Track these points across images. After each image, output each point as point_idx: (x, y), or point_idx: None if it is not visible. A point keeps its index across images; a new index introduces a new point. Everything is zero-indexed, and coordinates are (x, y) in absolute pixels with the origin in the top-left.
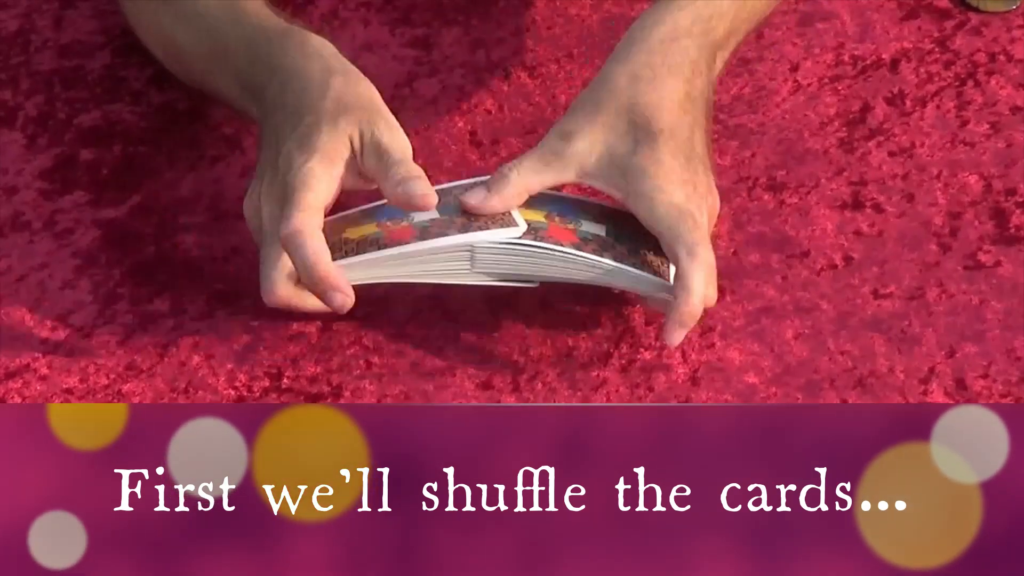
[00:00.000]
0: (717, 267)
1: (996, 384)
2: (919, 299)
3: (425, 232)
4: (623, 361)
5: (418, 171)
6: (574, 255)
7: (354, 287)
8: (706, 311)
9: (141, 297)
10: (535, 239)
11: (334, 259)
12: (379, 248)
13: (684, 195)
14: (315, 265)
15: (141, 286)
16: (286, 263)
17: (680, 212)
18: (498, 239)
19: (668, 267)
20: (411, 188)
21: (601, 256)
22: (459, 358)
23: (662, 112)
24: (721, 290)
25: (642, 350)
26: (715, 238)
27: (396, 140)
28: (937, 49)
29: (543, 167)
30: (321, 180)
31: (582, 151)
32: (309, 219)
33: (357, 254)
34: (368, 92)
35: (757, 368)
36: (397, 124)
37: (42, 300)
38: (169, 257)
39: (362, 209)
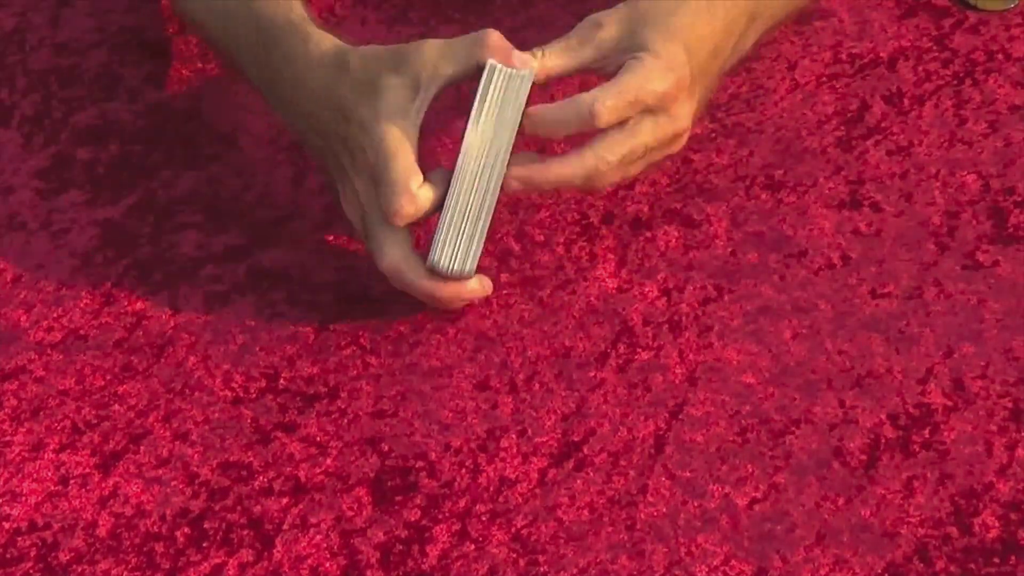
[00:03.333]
0: (714, 266)
1: (994, 384)
2: (917, 299)
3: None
4: (620, 361)
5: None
6: None
7: None
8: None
9: (138, 297)
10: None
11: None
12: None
13: (669, 84)
14: (433, 293)
15: (138, 286)
16: (397, 239)
17: (641, 89)
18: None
19: None
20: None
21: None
22: (456, 358)
23: (691, 32)
24: (719, 290)
25: (639, 350)
26: (712, 238)
27: (384, 145)
28: (935, 48)
29: (566, 51)
30: (397, 141)
31: (607, 37)
32: (404, 242)
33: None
34: (342, 93)
35: (755, 368)
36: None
37: (38, 301)
38: (166, 257)
39: None
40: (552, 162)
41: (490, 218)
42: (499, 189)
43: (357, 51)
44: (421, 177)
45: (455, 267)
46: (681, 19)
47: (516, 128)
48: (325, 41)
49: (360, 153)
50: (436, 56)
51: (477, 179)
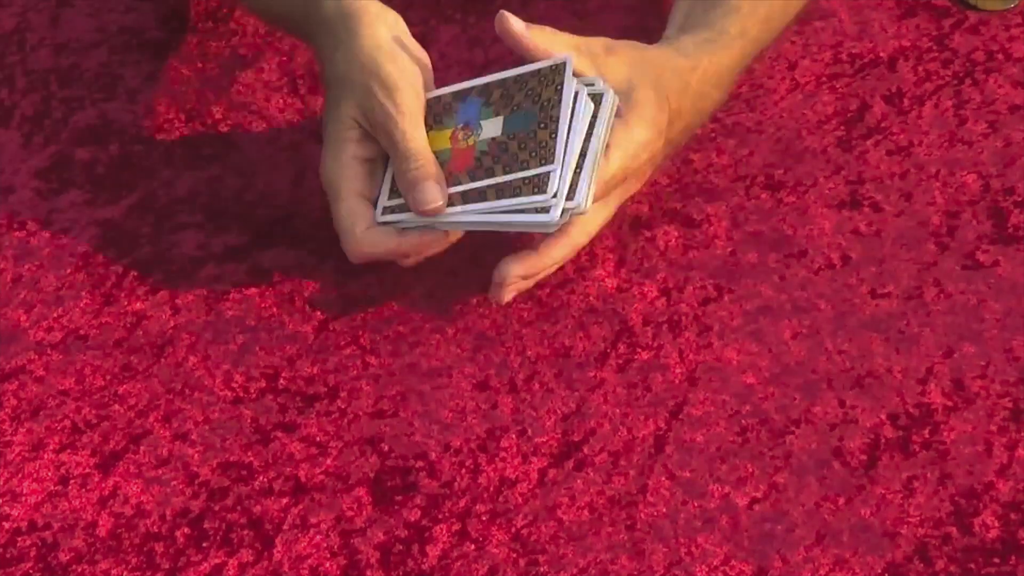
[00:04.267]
0: (714, 266)
1: (994, 384)
2: (917, 299)
3: (476, 169)
4: (620, 361)
5: (426, 165)
6: (466, 221)
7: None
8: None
9: (138, 297)
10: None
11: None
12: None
13: (649, 154)
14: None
15: (138, 286)
16: (359, 217)
17: (637, 151)
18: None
19: (554, 147)
20: (420, 195)
21: (492, 176)
22: (456, 358)
23: (682, 100)
24: (719, 289)
25: (639, 350)
26: (712, 237)
27: (399, 108)
28: (935, 48)
29: (575, 51)
30: (343, 177)
31: (612, 66)
32: (358, 240)
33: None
34: (367, 53)
35: (755, 368)
36: (397, 79)
37: (38, 301)
38: (166, 257)
39: (454, 91)
40: (539, 255)
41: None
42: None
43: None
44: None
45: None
46: (674, 83)
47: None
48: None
49: (379, 108)
50: (379, 113)
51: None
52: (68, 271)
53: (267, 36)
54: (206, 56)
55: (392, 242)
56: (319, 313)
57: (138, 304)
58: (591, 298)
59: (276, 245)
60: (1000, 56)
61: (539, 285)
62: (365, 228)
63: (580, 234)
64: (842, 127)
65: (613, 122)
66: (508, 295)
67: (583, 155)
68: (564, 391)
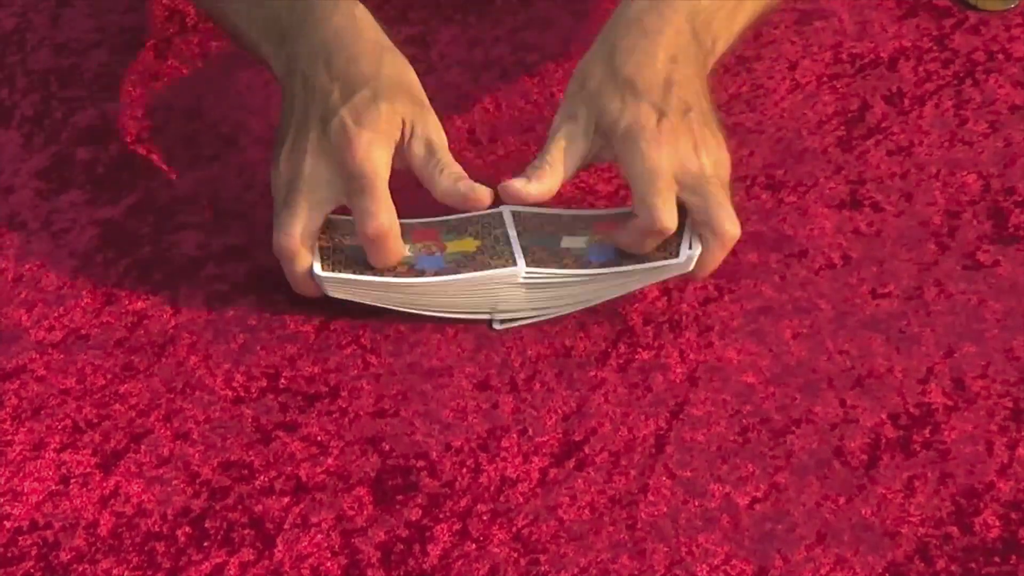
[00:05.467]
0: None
1: (995, 384)
2: (917, 299)
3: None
4: (621, 361)
5: (463, 175)
6: (585, 274)
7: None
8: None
9: (138, 297)
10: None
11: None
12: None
13: (665, 155)
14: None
15: (138, 286)
16: (307, 222)
17: (652, 174)
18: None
19: (679, 242)
20: (466, 187)
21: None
22: (457, 358)
23: (641, 71)
24: (719, 289)
25: (640, 350)
26: None
27: (443, 137)
28: (936, 48)
29: (561, 162)
30: (382, 158)
31: (579, 133)
32: (393, 219)
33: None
34: (415, 81)
35: (755, 368)
36: (438, 121)
37: (39, 300)
38: (166, 256)
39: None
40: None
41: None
42: None
43: (399, 58)
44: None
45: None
46: (624, 62)
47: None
48: (375, 28)
49: (339, 131)
50: (433, 128)
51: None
52: (69, 271)
53: None
54: (206, 56)
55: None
56: (320, 313)
57: (139, 304)
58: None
59: None
60: (1000, 56)
61: None
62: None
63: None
64: (842, 127)
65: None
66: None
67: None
68: (565, 391)
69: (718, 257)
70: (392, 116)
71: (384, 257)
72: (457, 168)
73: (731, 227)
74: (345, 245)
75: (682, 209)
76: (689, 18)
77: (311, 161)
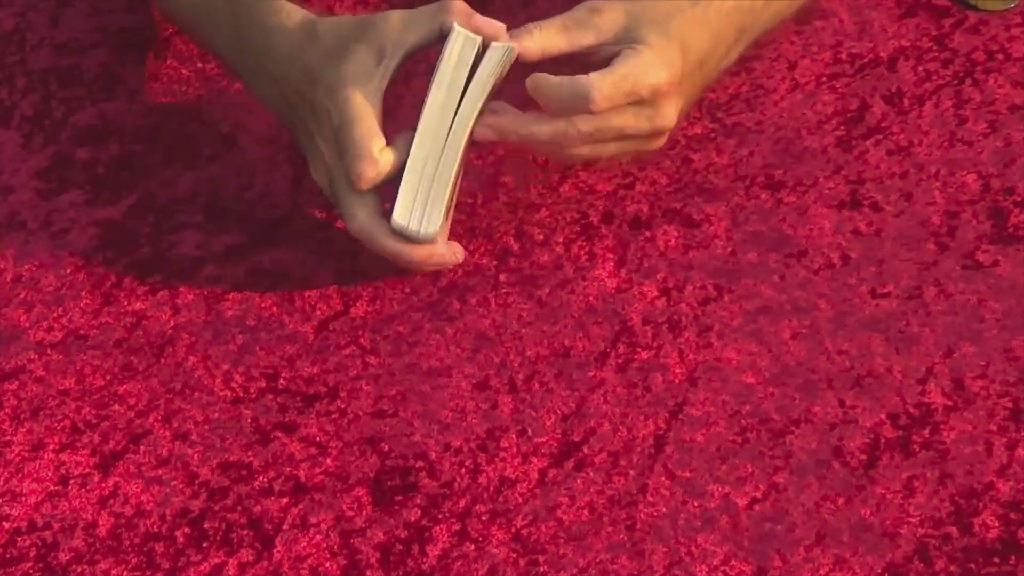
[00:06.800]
0: (713, 266)
1: (994, 384)
2: (917, 299)
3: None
4: (620, 361)
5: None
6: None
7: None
8: None
9: (138, 297)
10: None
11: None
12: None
13: (663, 79)
14: (400, 254)
15: (138, 286)
16: (365, 202)
17: (630, 77)
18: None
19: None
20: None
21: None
22: (456, 358)
23: (685, 38)
24: (718, 289)
25: (639, 350)
26: (712, 237)
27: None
28: (935, 47)
29: (563, 31)
30: (360, 106)
31: (606, 24)
32: (371, 204)
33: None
34: (312, 36)
35: (755, 368)
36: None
37: (38, 301)
38: (166, 257)
39: None
40: (524, 116)
41: (452, 182)
42: (462, 152)
43: (325, 20)
44: (383, 141)
45: (414, 227)
46: (678, 24)
47: (486, 96)
48: (295, 11)
49: (325, 117)
50: (400, 24)
51: (437, 140)
52: (68, 271)
53: None
54: (206, 56)
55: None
56: (319, 313)
57: (138, 304)
58: (591, 298)
59: (276, 245)
60: (1000, 56)
61: (538, 285)
62: (380, 148)
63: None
64: (842, 127)
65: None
66: (483, 134)
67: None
68: (564, 391)
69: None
70: (355, 60)
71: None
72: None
73: (657, 76)
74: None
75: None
76: (738, 8)
77: (329, 154)
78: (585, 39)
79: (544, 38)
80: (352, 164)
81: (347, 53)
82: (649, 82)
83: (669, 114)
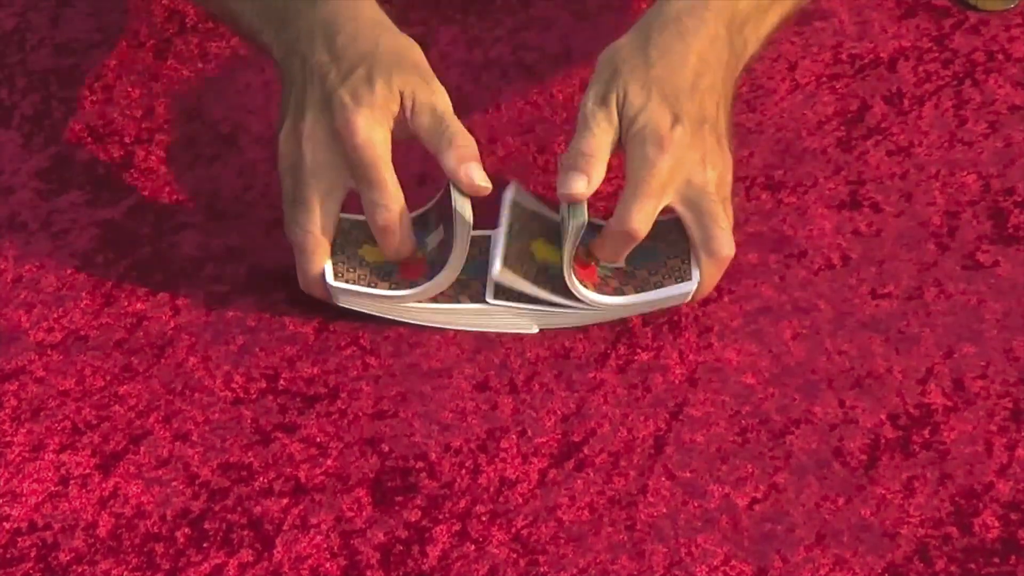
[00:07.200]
0: None
1: (994, 384)
2: (917, 299)
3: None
4: (620, 362)
5: (474, 147)
6: (605, 304)
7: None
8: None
9: (138, 298)
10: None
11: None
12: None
13: (667, 164)
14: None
15: (138, 286)
16: (323, 216)
17: (643, 179)
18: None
19: (690, 265)
20: (474, 173)
21: (624, 291)
22: (456, 359)
23: (671, 74)
24: (718, 290)
25: (639, 351)
26: None
27: (448, 104)
28: (935, 48)
29: (605, 134)
30: (381, 138)
31: (608, 126)
32: (401, 208)
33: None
34: (417, 55)
35: (755, 368)
36: (444, 90)
37: (38, 301)
38: (166, 257)
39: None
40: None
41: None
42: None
43: (399, 35)
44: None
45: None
46: (656, 60)
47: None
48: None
49: (339, 111)
50: (438, 96)
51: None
52: (68, 272)
53: None
54: (206, 56)
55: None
56: (319, 313)
57: (138, 305)
58: None
59: (276, 245)
60: (1000, 56)
61: None
62: (401, 209)
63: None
64: (842, 127)
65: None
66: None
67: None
68: (564, 392)
69: (714, 277)
70: (388, 90)
71: (395, 247)
72: (466, 140)
73: (726, 246)
74: (358, 254)
75: (683, 231)
76: (727, 22)
77: (310, 147)
78: (612, 139)
79: (599, 173)
80: (380, 201)
81: (391, 83)
82: (659, 175)
83: (689, 158)
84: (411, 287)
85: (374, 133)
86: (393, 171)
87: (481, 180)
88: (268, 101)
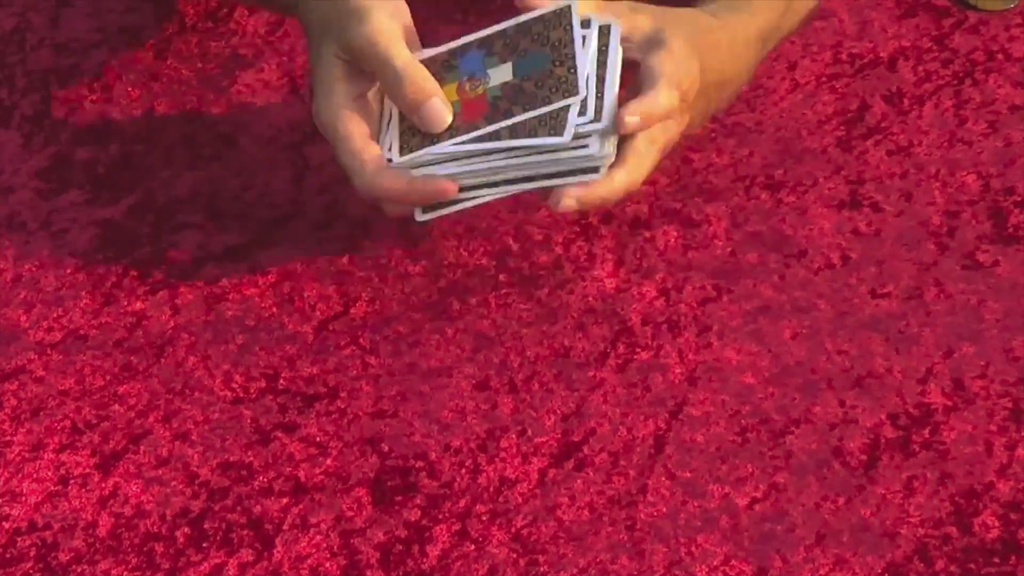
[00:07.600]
0: (713, 266)
1: (994, 384)
2: (917, 299)
3: (492, 113)
4: (620, 361)
5: (421, 83)
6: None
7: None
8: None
9: (138, 297)
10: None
11: None
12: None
13: (683, 90)
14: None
15: (138, 286)
16: (366, 155)
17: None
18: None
19: (576, 76)
20: (427, 115)
21: (510, 117)
22: (456, 358)
23: (712, 55)
24: (718, 290)
25: (639, 350)
26: (711, 237)
27: (375, 29)
28: (935, 48)
29: (597, 9)
30: (339, 118)
31: (639, 21)
32: (370, 179)
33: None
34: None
35: (755, 368)
36: (368, 5)
37: (38, 301)
38: (166, 257)
39: (451, 48)
40: (600, 184)
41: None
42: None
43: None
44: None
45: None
46: (703, 40)
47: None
48: None
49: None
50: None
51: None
52: (68, 271)
53: (267, 36)
54: (206, 56)
55: (403, 182)
56: (319, 313)
57: (138, 304)
58: (590, 298)
59: (276, 245)
60: (1000, 56)
61: (538, 285)
62: (374, 167)
63: (636, 168)
64: (842, 127)
65: (649, 57)
66: (568, 205)
67: (601, 82)
68: (564, 391)
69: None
70: (324, 66)
71: (431, 117)
72: (408, 80)
73: (665, 98)
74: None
75: (568, 29)
76: (760, 27)
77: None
78: (625, 29)
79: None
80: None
81: (322, 54)
82: (668, 104)
83: (673, 130)
84: (474, 129)
85: (342, 121)
86: (405, 57)
87: (440, 118)
88: (268, 101)
